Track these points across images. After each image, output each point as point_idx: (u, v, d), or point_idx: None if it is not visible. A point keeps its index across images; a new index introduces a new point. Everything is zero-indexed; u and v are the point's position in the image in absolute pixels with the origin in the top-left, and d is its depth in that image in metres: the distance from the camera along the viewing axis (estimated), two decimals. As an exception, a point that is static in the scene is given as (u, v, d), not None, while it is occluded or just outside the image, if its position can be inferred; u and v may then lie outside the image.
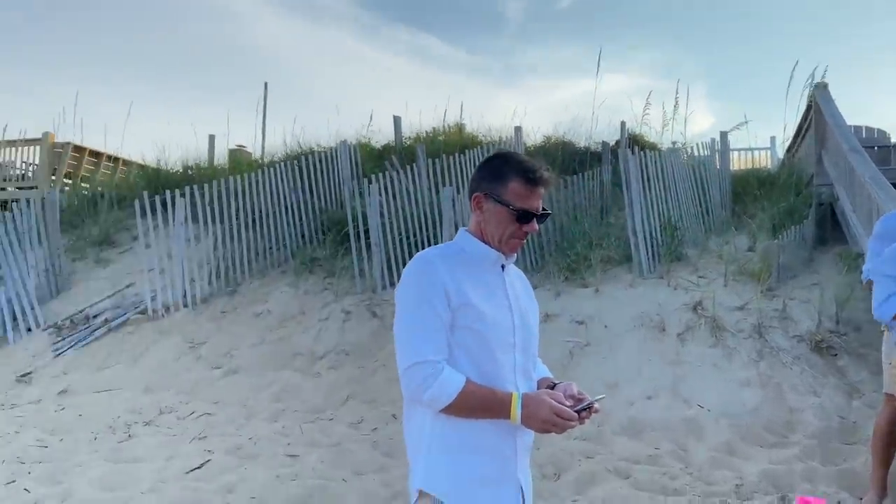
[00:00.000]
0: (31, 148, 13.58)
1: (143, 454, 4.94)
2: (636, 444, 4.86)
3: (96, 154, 13.56)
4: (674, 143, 10.67)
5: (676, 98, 11.95)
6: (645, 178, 8.17)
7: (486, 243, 2.03)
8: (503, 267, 2.07)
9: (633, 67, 32.05)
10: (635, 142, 10.71)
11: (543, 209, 2.06)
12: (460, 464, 1.90)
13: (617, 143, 10.93)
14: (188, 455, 4.89)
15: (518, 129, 10.68)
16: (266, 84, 14.67)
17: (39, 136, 13.30)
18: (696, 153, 9.30)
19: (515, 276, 2.16)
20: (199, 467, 4.65)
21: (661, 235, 7.93)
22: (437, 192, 8.85)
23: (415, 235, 8.39)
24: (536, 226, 2.06)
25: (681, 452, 4.70)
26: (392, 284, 7.99)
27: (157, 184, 10.64)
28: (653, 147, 10.14)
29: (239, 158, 13.26)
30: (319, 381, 6.50)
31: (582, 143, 11.17)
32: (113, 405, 6.10)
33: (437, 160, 9.57)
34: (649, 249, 7.67)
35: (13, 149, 13.45)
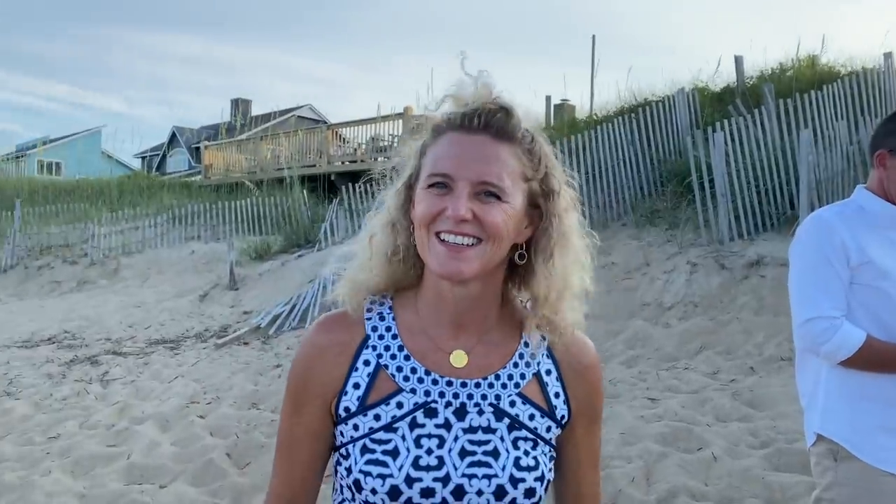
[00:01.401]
0: (395, 122, 15.69)
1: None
2: None
3: (449, 122, 15.17)
4: None
5: None
6: None
7: (889, 202, 2.02)
8: None
9: None
10: None
11: None
12: (861, 411, 1.94)
13: None
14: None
15: (888, 56, 9.41)
16: (594, 37, 14.89)
17: (401, 110, 15.30)
18: None
19: None
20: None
21: None
22: (788, 135, 8.28)
23: (764, 184, 8.00)
24: None
25: None
26: (740, 236, 7.77)
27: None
28: None
29: (564, 115, 13.77)
30: (670, 330, 6.68)
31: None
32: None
33: (787, 100, 8.90)
34: None
35: (383, 123, 15.67)
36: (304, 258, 11.43)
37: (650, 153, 9.72)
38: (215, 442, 4.93)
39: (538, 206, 1.05)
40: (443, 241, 0.99)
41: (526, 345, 1.08)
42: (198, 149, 23.07)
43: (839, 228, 1.95)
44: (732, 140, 8.32)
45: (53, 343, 8.71)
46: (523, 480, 1.01)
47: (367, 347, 1.06)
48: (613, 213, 9.32)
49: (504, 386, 1.05)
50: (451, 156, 1.00)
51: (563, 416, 1.08)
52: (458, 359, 1.05)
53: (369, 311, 1.09)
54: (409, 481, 0.99)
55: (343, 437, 1.05)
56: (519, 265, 1.08)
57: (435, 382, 1.04)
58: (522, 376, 1.06)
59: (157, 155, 41.66)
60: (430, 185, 1.00)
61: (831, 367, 1.96)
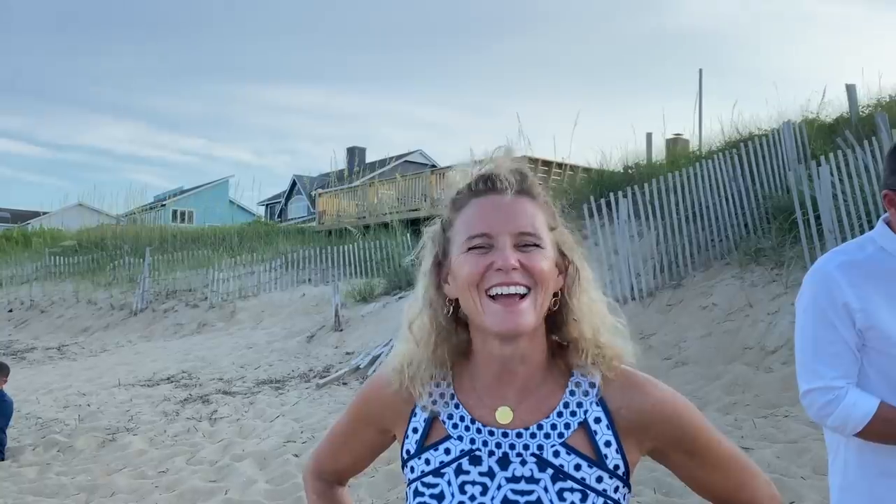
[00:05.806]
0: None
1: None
2: None
3: (547, 163, 15.21)
4: None
5: None
6: None
7: None
8: None
9: None
10: None
11: None
12: (881, 487, 1.71)
13: None
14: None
15: None
16: (700, 71, 14.61)
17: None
18: None
19: None
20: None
21: None
22: (906, 166, 7.76)
23: (877, 218, 7.50)
24: None
25: None
26: (852, 273, 7.30)
27: (601, 185, 11.48)
28: None
29: (676, 150, 13.46)
30: (772, 376, 6.35)
31: None
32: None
33: (903, 129, 8.36)
34: None
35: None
36: (405, 300, 11.64)
37: (754, 189, 9.36)
38: (305, 481, 5.12)
39: (564, 255, 1.11)
40: (494, 297, 1.02)
41: (572, 393, 1.09)
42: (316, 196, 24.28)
43: (841, 284, 1.70)
44: (840, 172, 7.89)
45: (172, 382, 9.34)
46: None
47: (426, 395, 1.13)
48: (716, 252, 9.00)
49: (547, 436, 1.07)
50: (484, 216, 1.06)
51: (616, 466, 1.07)
52: (504, 415, 1.08)
53: None
54: None
55: (408, 477, 1.13)
56: (555, 315, 1.11)
57: (479, 431, 1.08)
58: (567, 426, 1.07)
59: (279, 202, 44.01)
60: (471, 248, 1.05)
61: (848, 439, 1.74)
